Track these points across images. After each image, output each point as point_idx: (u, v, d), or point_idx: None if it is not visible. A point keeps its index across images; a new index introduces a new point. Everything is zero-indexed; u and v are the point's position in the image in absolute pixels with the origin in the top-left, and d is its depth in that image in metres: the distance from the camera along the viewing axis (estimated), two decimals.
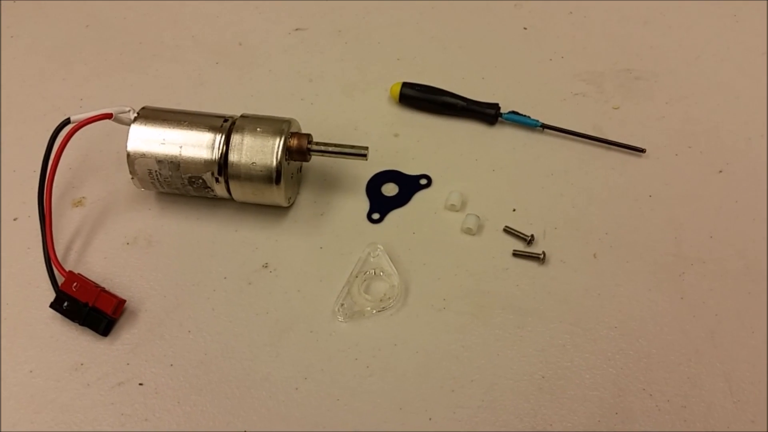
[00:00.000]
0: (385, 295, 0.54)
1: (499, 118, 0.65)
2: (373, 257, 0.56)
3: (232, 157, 0.54)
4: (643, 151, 0.63)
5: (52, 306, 0.53)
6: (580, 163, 0.63)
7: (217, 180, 0.54)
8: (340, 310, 0.53)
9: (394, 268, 0.55)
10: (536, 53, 0.73)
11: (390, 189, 0.61)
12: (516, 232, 0.58)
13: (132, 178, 0.56)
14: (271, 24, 0.76)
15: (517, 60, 0.72)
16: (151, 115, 0.56)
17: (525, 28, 0.75)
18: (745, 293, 0.54)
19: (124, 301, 0.54)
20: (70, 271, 0.54)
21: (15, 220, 0.59)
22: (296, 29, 0.75)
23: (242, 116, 0.56)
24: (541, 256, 0.56)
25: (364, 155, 0.56)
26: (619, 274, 0.56)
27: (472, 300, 0.54)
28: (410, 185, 0.62)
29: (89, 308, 0.52)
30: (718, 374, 0.50)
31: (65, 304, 0.53)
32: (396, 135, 0.66)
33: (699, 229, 0.58)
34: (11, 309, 0.54)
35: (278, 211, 0.59)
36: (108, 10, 0.77)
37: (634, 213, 0.59)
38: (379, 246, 0.56)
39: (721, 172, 0.62)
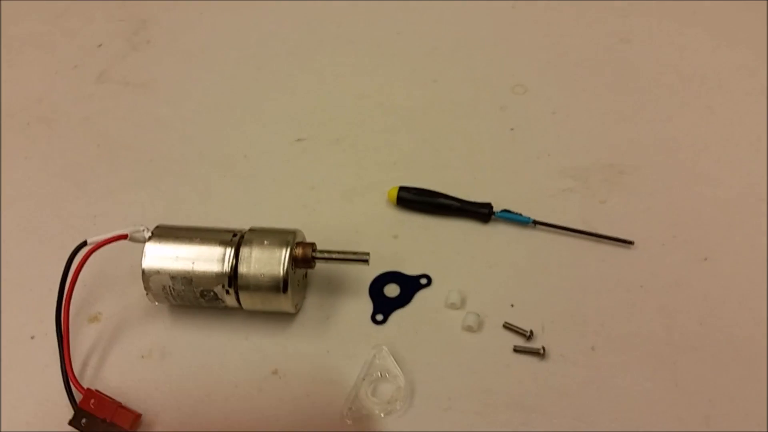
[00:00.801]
0: (392, 397, 0.56)
1: (493, 216, 0.69)
2: (379, 359, 0.58)
3: (242, 269, 0.56)
4: (631, 243, 0.66)
5: (71, 423, 0.54)
6: (571, 257, 0.66)
7: (227, 291, 0.57)
8: (349, 413, 0.55)
9: (399, 369, 0.57)
10: (523, 152, 0.76)
11: (392, 290, 0.64)
12: (515, 328, 0.60)
13: (147, 294, 0.58)
14: (273, 135, 0.80)
15: (506, 159, 0.76)
16: (164, 233, 0.59)
17: (512, 129, 0.79)
18: (737, 378, 0.56)
19: (140, 414, 0.55)
20: (88, 389, 0.56)
21: (32, 338, 0.62)
22: (297, 140, 0.79)
23: (250, 230, 0.59)
24: (541, 351, 0.58)
25: (366, 261, 0.59)
26: (616, 365, 0.58)
27: (477, 398, 0.56)
28: (411, 285, 0.64)
29: (107, 424, 0.54)
30: None
31: (84, 420, 0.54)
32: (395, 236, 0.69)
33: (689, 316, 0.61)
34: (31, 427, 0.56)
35: (286, 317, 0.62)
36: (118, 130, 0.82)
37: (626, 303, 0.62)
38: (384, 348, 0.59)
39: (706, 259, 0.65)
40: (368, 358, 0.58)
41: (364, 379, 0.57)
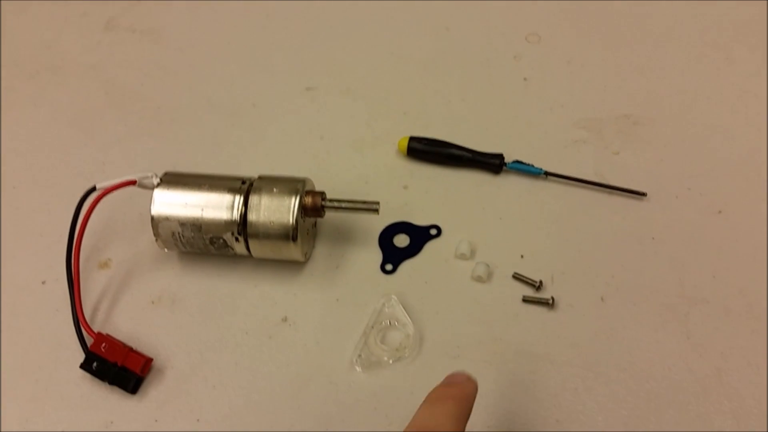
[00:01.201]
0: (400, 344, 0.56)
1: (504, 168, 0.68)
2: (388, 308, 0.58)
3: (251, 216, 0.56)
4: (644, 194, 0.65)
5: (82, 366, 0.55)
6: (583, 208, 0.65)
7: (236, 239, 0.57)
8: (358, 360, 0.55)
9: (408, 317, 0.57)
10: (537, 103, 0.75)
11: (401, 240, 0.64)
12: (525, 279, 0.60)
13: (156, 240, 0.58)
14: (282, 85, 0.79)
15: (519, 110, 0.75)
16: (173, 180, 0.58)
17: (525, 79, 0.78)
18: (749, 331, 0.56)
19: (151, 359, 0.56)
20: (99, 332, 0.56)
21: (43, 283, 0.62)
22: (307, 88, 0.78)
23: (259, 177, 0.59)
24: (550, 302, 0.58)
25: (376, 210, 0.59)
26: (626, 316, 0.57)
27: (485, 347, 0.56)
28: (421, 236, 0.64)
29: (118, 368, 0.54)
30: (726, 411, 0.52)
31: (95, 364, 0.55)
32: (405, 187, 0.68)
33: (702, 269, 0.60)
34: (43, 371, 0.56)
35: (295, 266, 0.62)
36: (125, 77, 0.81)
37: (638, 256, 0.61)
38: (393, 297, 0.59)
39: (720, 212, 0.64)
40: (377, 307, 0.58)
41: (373, 327, 0.57)
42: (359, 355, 0.55)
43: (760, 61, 0.78)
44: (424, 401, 0.42)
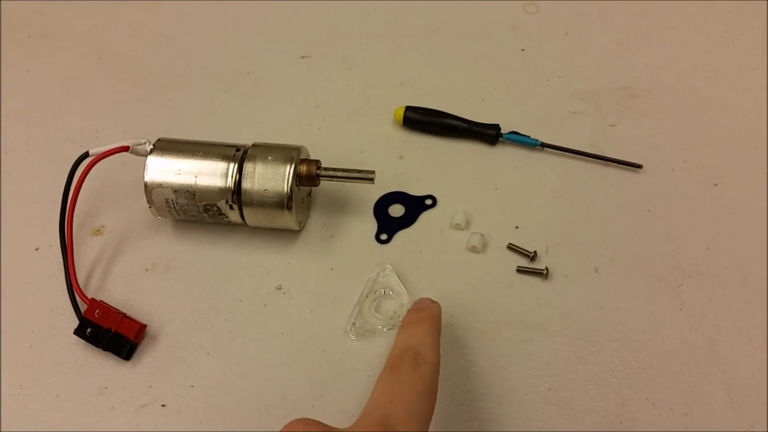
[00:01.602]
0: (395, 313, 0.56)
1: (500, 139, 0.68)
2: (383, 277, 0.58)
3: (245, 184, 0.56)
4: (640, 166, 0.65)
5: (76, 332, 0.55)
6: (579, 180, 0.65)
7: (231, 207, 0.57)
8: (352, 329, 0.55)
9: (402, 287, 0.57)
10: (534, 74, 0.75)
11: (397, 210, 0.64)
12: (519, 249, 0.60)
13: (149, 207, 0.58)
14: (277, 52, 0.78)
15: (516, 81, 0.74)
16: (166, 147, 0.58)
17: (522, 50, 0.77)
18: (742, 303, 0.56)
19: (145, 325, 0.56)
20: (93, 299, 0.56)
21: (37, 249, 0.62)
22: (302, 57, 0.78)
23: (254, 145, 0.58)
24: (545, 272, 0.58)
25: (371, 179, 0.58)
26: (620, 287, 0.58)
27: (479, 316, 0.56)
28: (416, 206, 0.64)
29: (112, 334, 0.54)
30: (718, 382, 0.52)
31: (88, 330, 0.55)
32: (401, 157, 0.68)
33: (696, 241, 0.60)
34: (36, 337, 0.56)
35: (290, 234, 0.61)
36: (119, 44, 0.80)
37: (632, 227, 0.61)
38: (387, 266, 0.58)
39: (716, 185, 0.64)
40: (372, 276, 0.58)
41: (367, 296, 0.57)
42: (353, 324, 0.55)
43: (759, 35, 0.78)
44: (401, 326, 0.49)
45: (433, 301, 0.51)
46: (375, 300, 0.57)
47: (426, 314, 0.49)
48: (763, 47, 0.76)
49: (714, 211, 0.62)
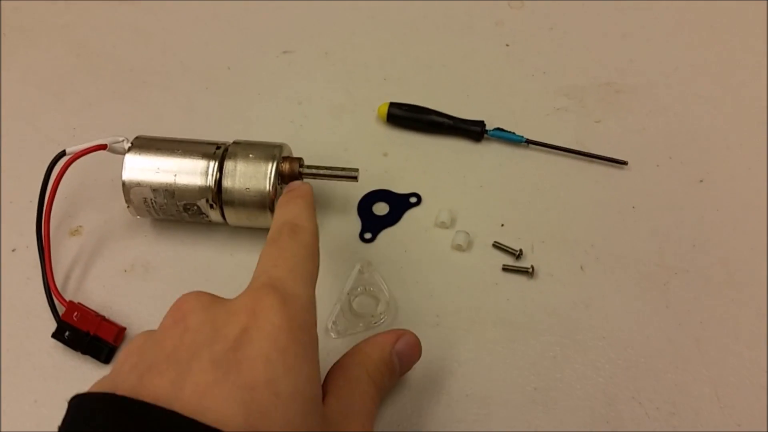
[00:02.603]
0: (376, 310, 0.55)
1: (485, 135, 0.67)
2: (364, 273, 0.57)
3: (226, 183, 0.55)
4: (625, 163, 0.64)
5: (54, 336, 0.54)
6: (564, 177, 0.65)
7: (211, 206, 0.56)
8: (333, 327, 0.54)
9: (384, 284, 0.57)
10: (519, 70, 0.74)
11: (381, 208, 0.63)
12: (505, 247, 0.59)
13: (128, 207, 0.57)
14: (258, 48, 0.77)
15: (501, 77, 0.74)
16: (144, 145, 0.57)
17: (507, 45, 0.77)
18: (729, 300, 0.56)
19: (124, 328, 0.55)
20: (71, 301, 0.55)
21: (13, 251, 0.60)
22: (284, 52, 0.76)
23: (234, 142, 0.57)
24: (530, 270, 0.57)
25: (355, 177, 0.58)
26: (606, 285, 0.57)
27: (465, 315, 0.56)
28: (401, 204, 0.63)
29: (90, 337, 0.53)
30: (705, 380, 0.52)
31: (67, 333, 0.53)
32: (385, 154, 0.67)
33: (682, 238, 0.60)
34: (14, 340, 0.55)
35: None
36: (97, 40, 0.78)
37: (618, 225, 0.61)
38: (370, 262, 0.58)
39: (701, 181, 0.64)
40: (354, 273, 0.57)
41: (348, 294, 0.56)
42: (334, 322, 0.54)
43: (745, 31, 0.78)
44: (277, 207, 0.50)
45: (303, 183, 0.52)
46: (356, 297, 0.56)
47: (297, 192, 0.50)
48: (748, 43, 0.76)
49: (700, 207, 0.62)
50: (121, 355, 0.40)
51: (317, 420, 0.38)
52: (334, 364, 0.46)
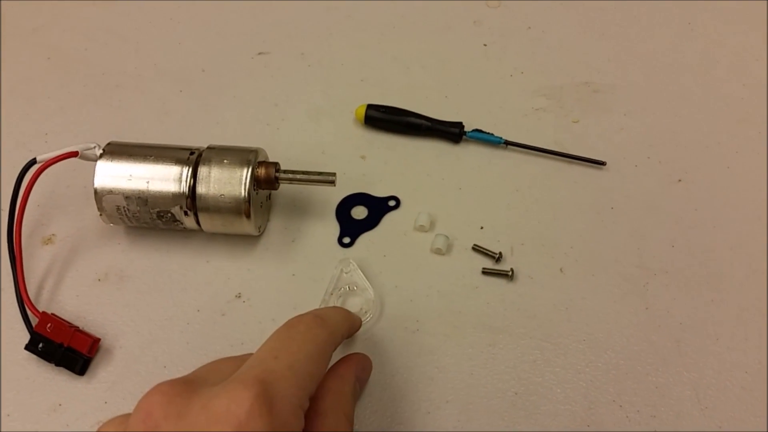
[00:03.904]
0: (361, 309, 0.55)
1: (464, 137, 0.67)
2: (346, 273, 0.57)
3: (200, 189, 0.54)
4: (603, 163, 0.64)
5: (27, 348, 0.53)
6: (543, 178, 0.64)
7: (186, 213, 0.55)
8: None
9: (367, 281, 0.56)
10: (497, 70, 0.74)
11: (359, 212, 0.62)
12: (484, 250, 0.59)
13: (101, 215, 0.56)
14: (233, 49, 0.76)
15: (479, 77, 0.73)
16: (116, 151, 0.56)
17: (485, 45, 0.76)
18: (708, 301, 0.56)
19: (99, 339, 0.54)
20: (44, 312, 0.54)
21: None
22: (259, 53, 0.75)
23: (209, 147, 0.56)
24: (510, 273, 0.57)
25: (332, 182, 0.57)
26: (585, 287, 0.57)
27: (445, 320, 0.55)
28: (379, 207, 0.62)
29: (64, 348, 0.52)
30: (685, 383, 0.52)
31: (40, 345, 0.52)
32: (363, 157, 0.66)
33: (661, 239, 0.60)
34: None
35: (249, 240, 0.60)
36: (69, 42, 0.77)
37: (597, 226, 0.61)
38: (351, 262, 0.57)
39: (680, 181, 0.64)
40: (335, 273, 0.56)
41: (332, 294, 0.55)
42: None
43: (721, 29, 0.78)
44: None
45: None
46: (340, 297, 0.55)
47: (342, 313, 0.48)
48: (726, 42, 0.76)
49: (678, 207, 0.62)
50: None
51: None
52: (309, 409, 0.40)
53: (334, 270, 0.57)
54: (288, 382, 0.37)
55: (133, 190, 0.54)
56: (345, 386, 0.45)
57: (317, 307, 0.55)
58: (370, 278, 0.57)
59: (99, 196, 0.54)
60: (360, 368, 0.48)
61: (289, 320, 0.42)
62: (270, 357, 0.38)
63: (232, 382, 0.35)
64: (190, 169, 0.54)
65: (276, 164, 0.57)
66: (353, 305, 0.55)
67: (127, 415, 0.36)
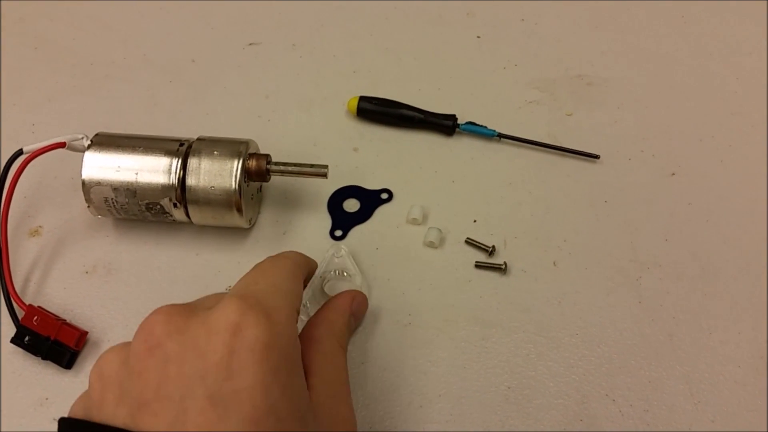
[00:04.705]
0: None
1: (457, 129, 0.66)
2: (337, 258, 0.56)
3: (190, 181, 0.53)
4: (597, 157, 0.64)
5: (13, 341, 0.52)
6: (536, 171, 0.64)
7: (175, 205, 0.54)
8: (304, 310, 0.52)
9: (357, 268, 0.56)
10: (490, 62, 0.73)
11: (351, 205, 0.62)
12: (477, 244, 0.58)
13: (88, 207, 0.55)
14: (223, 39, 0.75)
15: (472, 69, 0.73)
16: (105, 142, 0.55)
17: (478, 37, 0.76)
18: (701, 295, 0.56)
19: (86, 332, 0.53)
20: (30, 305, 0.53)
21: None
22: (250, 44, 0.75)
23: (198, 139, 0.56)
24: (503, 267, 0.57)
25: (324, 174, 0.56)
26: (578, 281, 0.57)
27: (437, 314, 0.55)
28: (372, 200, 0.62)
29: (51, 342, 0.51)
30: (678, 376, 0.51)
31: (27, 338, 0.51)
32: (355, 149, 0.66)
33: (654, 232, 0.60)
34: None
35: (239, 232, 0.59)
36: (56, 32, 0.76)
37: (590, 219, 0.60)
38: (343, 247, 0.57)
39: (673, 174, 0.64)
40: (326, 256, 0.56)
41: (321, 277, 0.54)
42: (304, 304, 0.52)
43: (715, 22, 0.78)
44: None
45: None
46: (328, 281, 0.55)
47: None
48: (719, 35, 0.76)
49: (672, 200, 0.62)
50: (95, 379, 0.37)
51: (311, 421, 0.37)
52: (304, 336, 0.45)
53: (325, 253, 0.56)
54: (275, 295, 0.39)
55: (122, 182, 0.53)
56: (339, 317, 0.48)
57: (308, 288, 0.53)
58: (361, 271, 0.57)
59: (87, 187, 0.54)
60: (356, 303, 0.50)
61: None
62: (251, 283, 0.41)
63: (225, 299, 0.37)
64: (180, 161, 0.53)
65: (267, 156, 0.56)
66: (341, 290, 0.54)
67: (128, 343, 0.38)
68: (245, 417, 0.33)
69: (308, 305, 0.53)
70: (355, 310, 0.50)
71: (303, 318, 0.52)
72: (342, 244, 0.57)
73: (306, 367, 0.42)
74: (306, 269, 0.48)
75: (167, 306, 0.38)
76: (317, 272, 0.55)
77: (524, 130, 0.65)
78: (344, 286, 0.55)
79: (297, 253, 0.49)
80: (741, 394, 0.51)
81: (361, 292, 0.52)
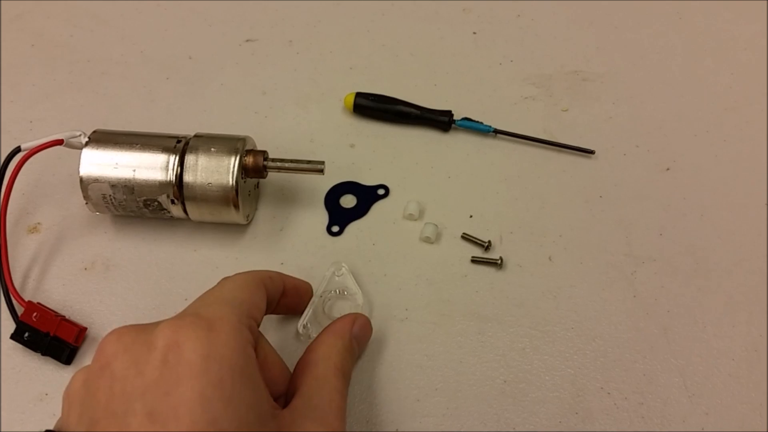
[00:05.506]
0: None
1: (453, 125, 0.66)
2: (338, 276, 0.56)
3: (187, 178, 0.53)
4: (592, 152, 0.64)
5: (12, 337, 0.52)
6: (532, 166, 0.64)
7: (173, 202, 0.54)
8: (304, 330, 0.53)
9: (358, 287, 0.55)
10: (486, 58, 0.74)
11: (348, 201, 0.62)
12: (473, 239, 0.59)
13: (86, 203, 0.55)
14: (220, 36, 0.75)
15: (468, 65, 0.73)
16: (102, 139, 0.55)
17: (474, 33, 0.76)
18: (696, 289, 0.56)
19: (85, 328, 0.53)
20: (29, 301, 0.53)
21: None
22: (247, 40, 0.75)
23: (196, 136, 0.56)
24: (499, 262, 0.57)
25: (321, 170, 0.57)
26: (574, 275, 0.57)
27: (434, 308, 0.55)
28: (368, 196, 0.62)
29: (51, 338, 0.52)
30: (673, 370, 0.52)
31: (26, 334, 0.52)
32: (352, 145, 0.66)
33: (649, 227, 0.60)
34: None
35: (237, 228, 0.59)
36: (53, 29, 0.76)
37: (585, 214, 0.61)
38: (343, 265, 0.56)
39: (668, 169, 0.64)
40: (327, 275, 0.56)
41: (321, 296, 0.54)
42: (305, 325, 0.53)
43: (710, 18, 0.78)
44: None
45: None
46: (329, 300, 0.55)
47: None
48: (715, 31, 0.76)
49: (666, 196, 0.62)
50: (64, 398, 0.39)
51: None
52: (300, 360, 0.45)
53: (326, 272, 0.56)
54: (217, 306, 0.40)
55: (120, 179, 0.53)
56: (338, 340, 0.47)
57: (309, 308, 0.54)
58: (358, 269, 0.57)
59: (85, 184, 0.54)
60: (357, 325, 0.49)
61: None
62: (199, 299, 0.42)
63: (168, 320, 0.38)
64: (177, 158, 0.54)
65: (264, 152, 0.56)
66: (342, 309, 0.54)
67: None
68: None
69: (309, 326, 0.53)
70: (357, 333, 0.49)
71: (303, 339, 0.53)
72: (342, 262, 0.57)
73: (293, 386, 0.43)
74: (270, 282, 0.47)
75: (122, 327, 0.39)
76: (317, 291, 0.55)
77: (520, 126, 0.66)
78: (345, 305, 0.55)
79: (265, 270, 0.48)
80: (735, 387, 0.51)
81: (363, 315, 0.51)
